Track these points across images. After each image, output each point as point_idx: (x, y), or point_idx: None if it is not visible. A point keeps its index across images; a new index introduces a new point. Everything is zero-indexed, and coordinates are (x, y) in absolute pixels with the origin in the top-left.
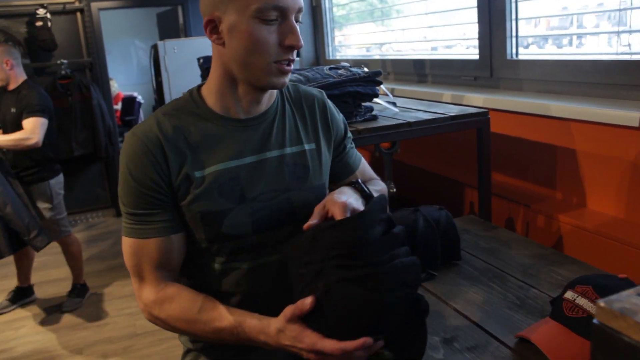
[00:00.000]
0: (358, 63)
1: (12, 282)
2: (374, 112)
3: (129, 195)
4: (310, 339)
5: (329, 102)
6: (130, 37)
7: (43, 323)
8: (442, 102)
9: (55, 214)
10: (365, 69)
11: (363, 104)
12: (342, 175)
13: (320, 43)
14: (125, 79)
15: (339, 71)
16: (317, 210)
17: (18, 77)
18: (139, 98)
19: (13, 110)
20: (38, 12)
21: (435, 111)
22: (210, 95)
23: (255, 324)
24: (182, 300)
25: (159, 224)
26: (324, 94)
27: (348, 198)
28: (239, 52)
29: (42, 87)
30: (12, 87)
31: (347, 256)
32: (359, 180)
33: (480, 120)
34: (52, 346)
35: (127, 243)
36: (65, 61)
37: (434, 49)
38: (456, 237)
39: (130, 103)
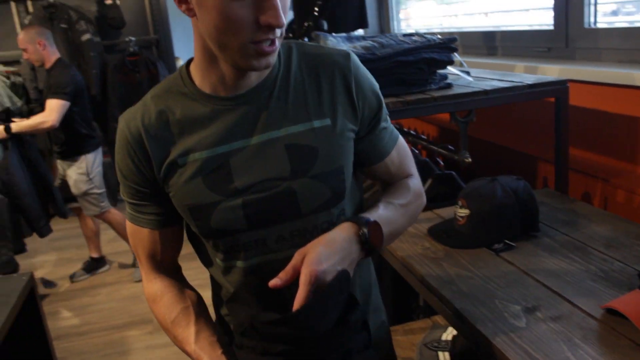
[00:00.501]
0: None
1: (87, 252)
2: (448, 81)
3: (119, 182)
4: None
5: (359, 68)
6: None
7: (116, 291)
8: (516, 73)
9: (92, 187)
10: (439, 36)
11: (438, 71)
12: (369, 160)
13: (385, 17)
14: (189, 56)
15: (414, 38)
16: (290, 266)
17: (51, 56)
18: None
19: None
20: None
21: (511, 80)
22: (196, 71)
23: None
24: (162, 306)
25: (149, 215)
26: (352, 57)
27: (326, 261)
28: (210, 29)
29: (74, 66)
30: (47, 65)
31: (291, 352)
32: (366, 232)
33: (558, 89)
34: (125, 313)
35: (127, 225)
36: (133, 38)
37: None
38: (535, 208)
39: None
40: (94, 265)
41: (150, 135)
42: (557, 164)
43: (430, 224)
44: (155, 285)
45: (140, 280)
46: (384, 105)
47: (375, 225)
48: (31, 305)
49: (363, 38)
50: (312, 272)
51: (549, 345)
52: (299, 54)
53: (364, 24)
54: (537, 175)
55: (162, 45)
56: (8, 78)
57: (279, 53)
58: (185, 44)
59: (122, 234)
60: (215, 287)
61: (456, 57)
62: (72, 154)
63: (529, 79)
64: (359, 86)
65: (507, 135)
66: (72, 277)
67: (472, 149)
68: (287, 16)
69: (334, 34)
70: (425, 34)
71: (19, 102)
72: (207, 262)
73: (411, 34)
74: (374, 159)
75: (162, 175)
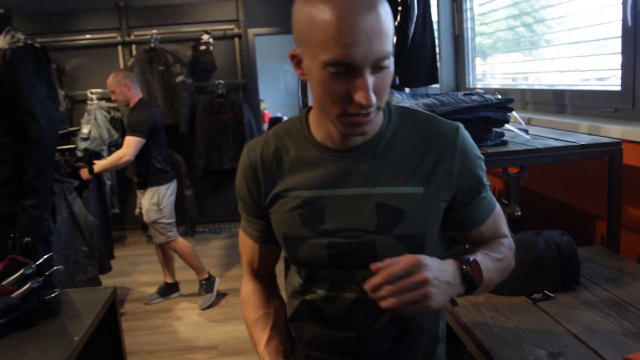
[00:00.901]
0: (497, 92)
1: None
2: (504, 138)
3: (237, 197)
4: None
5: (466, 143)
6: (280, 61)
7: (185, 316)
8: (578, 132)
9: (161, 217)
10: (499, 96)
11: (494, 129)
12: (464, 226)
13: (461, 71)
14: (273, 100)
15: (473, 97)
16: (396, 259)
17: (134, 96)
18: (285, 119)
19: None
20: (202, 37)
21: (566, 139)
22: (313, 120)
23: None
24: (249, 306)
25: (254, 230)
26: (461, 132)
27: (437, 272)
28: (315, 95)
29: (154, 105)
30: (131, 104)
31: None
32: (469, 269)
33: (612, 150)
34: (192, 337)
35: (240, 232)
36: (222, 81)
37: (581, 80)
38: (576, 262)
39: (276, 123)
40: (168, 290)
41: (265, 167)
42: (610, 221)
43: None
44: (248, 287)
45: (205, 309)
46: (482, 177)
47: (476, 264)
48: (111, 318)
49: (427, 95)
50: (418, 261)
51: None
52: (410, 121)
53: (434, 80)
54: (593, 232)
55: (248, 88)
56: (109, 113)
57: (391, 116)
58: (269, 89)
59: (189, 262)
60: (287, 304)
61: (515, 115)
62: (146, 185)
63: (584, 139)
64: (463, 161)
65: (563, 190)
66: (147, 300)
67: (526, 201)
68: (385, 93)
69: (406, 89)
70: (484, 93)
71: (115, 135)
72: (289, 282)
73: (471, 93)
74: (469, 226)
75: (267, 202)
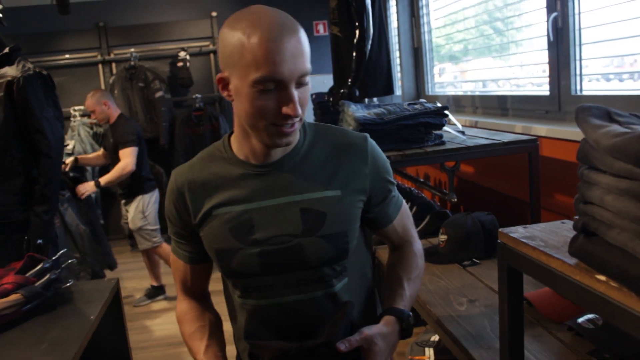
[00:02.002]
0: (450, 99)
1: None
2: (443, 139)
3: (166, 220)
4: None
5: (374, 150)
6: None
7: (172, 315)
8: (513, 133)
9: (146, 224)
10: (438, 104)
11: (434, 131)
12: (379, 224)
13: (421, 80)
14: None
15: (415, 106)
16: (353, 341)
17: (114, 112)
18: None
19: (111, 140)
20: (179, 54)
21: (494, 138)
22: (234, 141)
23: None
24: (184, 322)
25: (184, 252)
26: (369, 141)
27: (383, 356)
28: (243, 113)
29: (133, 119)
30: (112, 121)
31: None
32: (408, 325)
33: (529, 146)
34: (179, 334)
35: (171, 254)
36: (199, 96)
37: (518, 85)
38: (497, 235)
39: None
40: (154, 292)
41: (191, 189)
42: (532, 203)
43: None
44: (182, 305)
45: (137, 306)
46: (390, 178)
47: (410, 316)
48: (116, 303)
49: (378, 106)
50: (371, 341)
51: (476, 320)
52: (324, 135)
53: (390, 91)
54: (519, 214)
55: (224, 101)
56: (91, 128)
57: (305, 132)
58: None
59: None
60: (233, 320)
61: (452, 119)
62: (132, 195)
63: (508, 137)
64: (373, 164)
65: (494, 180)
66: (135, 303)
67: (463, 190)
68: (306, 105)
69: (362, 102)
70: (425, 103)
71: (98, 150)
72: (229, 298)
73: (415, 103)
74: (384, 223)
75: (197, 222)
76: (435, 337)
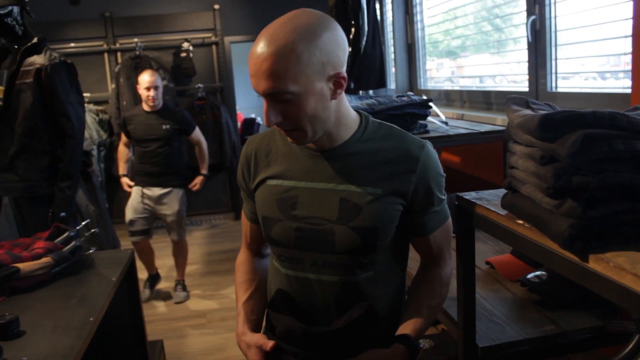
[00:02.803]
0: (442, 93)
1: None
2: (427, 128)
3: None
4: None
5: (429, 159)
6: None
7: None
8: (494, 124)
9: (184, 216)
10: (424, 97)
11: (419, 121)
12: (414, 232)
13: (414, 74)
14: (247, 102)
15: (403, 98)
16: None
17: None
18: (258, 119)
19: (166, 126)
20: (183, 45)
21: (473, 129)
22: None
23: (240, 321)
24: (239, 271)
25: (248, 211)
26: (426, 149)
27: None
28: None
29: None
30: (159, 106)
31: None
32: (418, 356)
33: (504, 135)
34: (184, 310)
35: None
36: (201, 85)
37: (515, 82)
38: None
39: (250, 124)
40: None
41: (256, 158)
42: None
43: None
44: (242, 256)
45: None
46: (437, 192)
47: (420, 348)
48: (131, 271)
49: (370, 97)
50: None
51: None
52: (382, 134)
53: (382, 84)
54: None
55: (225, 91)
56: (97, 115)
57: (366, 127)
58: (244, 92)
59: (186, 258)
60: (269, 285)
61: (436, 110)
62: (180, 186)
63: (485, 128)
64: (422, 175)
65: (473, 166)
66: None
67: (449, 176)
68: (297, 120)
69: (356, 94)
70: (412, 95)
71: (104, 135)
72: (270, 264)
73: (403, 95)
74: (416, 233)
75: (253, 187)
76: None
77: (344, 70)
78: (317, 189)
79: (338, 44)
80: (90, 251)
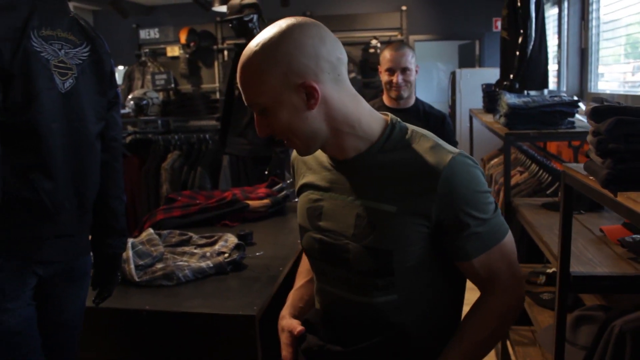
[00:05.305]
0: (613, 98)
1: None
2: (575, 125)
3: None
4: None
5: (451, 176)
6: (435, 61)
7: None
8: None
9: None
10: (575, 98)
11: (568, 118)
12: (452, 257)
13: (585, 79)
14: (425, 96)
15: (555, 98)
16: None
17: None
18: None
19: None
20: (371, 42)
21: None
22: None
23: (286, 305)
24: (302, 261)
25: None
26: (450, 164)
27: None
28: None
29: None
30: (411, 101)
31: None
32: None
33: None
34: None
35: None
36: None
37: None
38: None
39: None
40: None
41: (297, 164)
42: None
43: None
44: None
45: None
46: (472, 211)
47: None
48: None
49: (528, 95)
50: None
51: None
52: (408, 144)
53: (545, 86)
54: None
55: None
56: None
57: (390, 135)
58: (423, 84)
59: None
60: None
61: (583, 109)
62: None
63: None
64: (445, 190)
65: None
66: None
67: None
68: (279, 131)
69: (525, 91)
70: (565, 96)
71: None
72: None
73: (556, 95)
74: (457, 257)
75: (297, 192)
76: (550, 269)
77: (321, 77)
78: (339, 202)
79: (301, 52)
80: (295, 200)
